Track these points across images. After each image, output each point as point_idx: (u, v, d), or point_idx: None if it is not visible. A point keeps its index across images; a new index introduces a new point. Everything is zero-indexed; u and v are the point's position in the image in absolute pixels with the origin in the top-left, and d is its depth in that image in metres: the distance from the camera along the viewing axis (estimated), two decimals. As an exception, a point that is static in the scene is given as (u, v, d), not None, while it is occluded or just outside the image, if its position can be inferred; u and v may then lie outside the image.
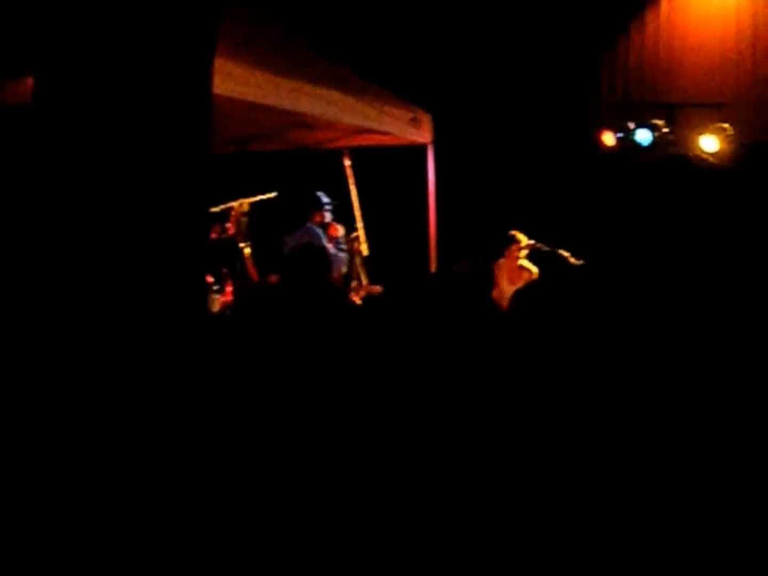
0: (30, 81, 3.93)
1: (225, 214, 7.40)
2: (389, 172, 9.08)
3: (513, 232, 8.64)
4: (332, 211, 7.85)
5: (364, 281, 8.05)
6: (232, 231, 7.53)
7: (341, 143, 8.49)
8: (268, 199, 7.61)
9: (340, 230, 7.94)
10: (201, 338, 4.80)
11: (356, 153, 8.43)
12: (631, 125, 8.22)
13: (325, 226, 7.89)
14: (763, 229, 7.64)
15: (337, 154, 8.38)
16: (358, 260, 7.98)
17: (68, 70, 3.87)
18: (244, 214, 7.40)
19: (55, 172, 4.06)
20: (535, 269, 8.61)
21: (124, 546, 3.58)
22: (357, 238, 8.10)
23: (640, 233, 7.65)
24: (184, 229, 4.21)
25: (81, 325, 4.10)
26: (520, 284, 8.55)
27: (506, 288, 7.79)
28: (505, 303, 5.72)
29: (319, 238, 7.65)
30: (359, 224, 8.14)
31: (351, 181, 8.19)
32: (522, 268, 8.60)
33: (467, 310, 4.13)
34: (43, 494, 3.73)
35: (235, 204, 7.38)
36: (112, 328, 4.17)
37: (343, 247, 8.02)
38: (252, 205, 7.48)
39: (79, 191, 4.04)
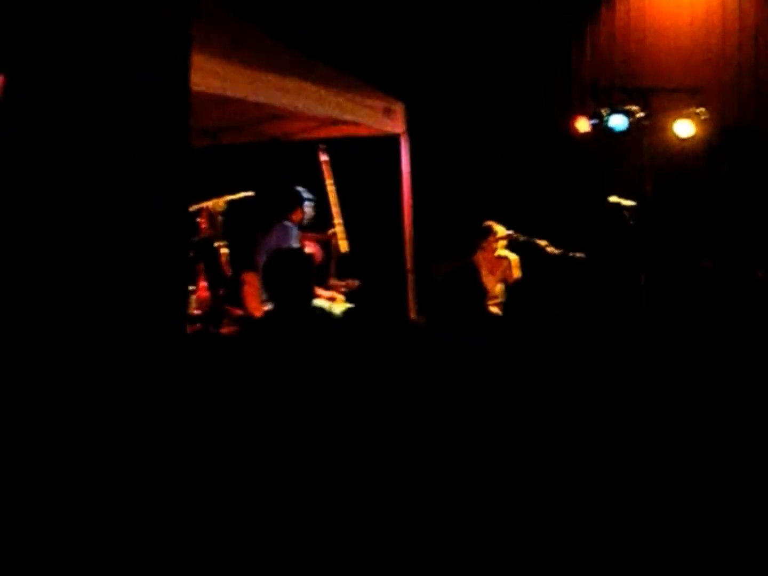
0: (1, 79, 3.77)
1: (198, 213, 7.19)
2: (361, 163, 8.93)
3: (489, 223, 8.55)
4: (313, 208, 7.64)
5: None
6: (204, 228, 7.32)
7: (313, 134, 8.31)
8: (245, 198, 7.41)
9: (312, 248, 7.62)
10: (182, 341, 4.67)
11: (327, 144, 8.26)
12: (605, 111, 8.13)
13: (302, 226, 7.60)
14: (744, 213, 7.64)
15: (309, 147, 8.20)
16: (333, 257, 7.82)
17: (42, 69, 3.72)
18: (220, 212, 7.19)
19: (28, 172, 3.92)
20: (513, 256, 8.55)
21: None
22: (335, 234, 7.94)
23: (623, 220, 7.60)
24: (164, 228, 4.08)
25: (55, 327, 3.97)
26: (499, 274, 8.54)
27: (487, 280, 7.72)
28: (488, 295, 5.63)
29: (294, 238, 7.42)
30: (337, 220, 7.96)
31: (328, 176, 8.00)
32: (500, 257, 8.53)
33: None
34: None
35: (209, 203, 7.18)
36: (88, 331, 4.04)
37: None
38: (228, 203, 7.28)
39: (54, 192, 3.90)
